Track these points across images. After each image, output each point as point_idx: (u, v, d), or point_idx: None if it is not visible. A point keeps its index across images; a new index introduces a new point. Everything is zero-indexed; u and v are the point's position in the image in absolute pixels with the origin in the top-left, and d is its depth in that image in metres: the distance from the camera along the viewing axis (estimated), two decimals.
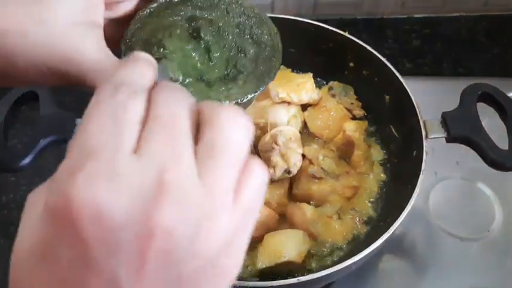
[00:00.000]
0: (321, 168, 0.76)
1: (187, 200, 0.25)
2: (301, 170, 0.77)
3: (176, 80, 0.45)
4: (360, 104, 0.87)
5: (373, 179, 0.78)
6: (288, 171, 0.75)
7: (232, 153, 0.27)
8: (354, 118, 0.85)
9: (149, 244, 0.24)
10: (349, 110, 0.85)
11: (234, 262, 0.28)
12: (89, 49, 0.41)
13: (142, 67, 0.30)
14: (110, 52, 0.42)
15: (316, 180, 0.76)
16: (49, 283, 0.25)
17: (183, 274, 0.26)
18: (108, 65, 0.41)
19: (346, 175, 0.77)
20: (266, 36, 0.50)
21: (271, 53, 0.49)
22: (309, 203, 0.75)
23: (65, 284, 0.25)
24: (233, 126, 0.28)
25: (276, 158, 0.75)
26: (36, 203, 0.27)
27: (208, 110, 0.29)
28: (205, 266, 0.26)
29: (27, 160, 0.64)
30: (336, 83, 0.89)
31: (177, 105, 0.28)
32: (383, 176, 0.79)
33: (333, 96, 0.86)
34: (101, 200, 0.24)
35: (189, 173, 0.26)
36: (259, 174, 0.29)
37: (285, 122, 0.81)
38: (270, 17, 0.52)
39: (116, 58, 0.42)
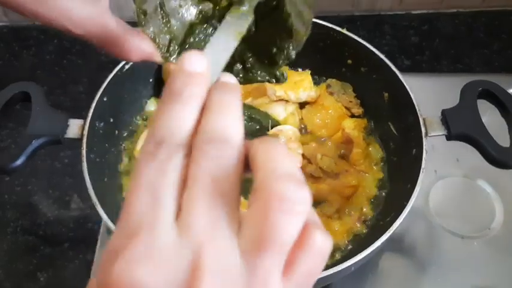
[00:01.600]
0: (320, 167, 0.75)
1: (223, 284, 0.24)
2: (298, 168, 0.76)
3: None
4: (359, 101, 0.86)
5: (372, 177, 0.77)
6: None
7: (283, 242, 0.25)
8: (352, 116, 0.84)
9: None
10: (347, 108, 0.84)
11: None
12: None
13: (183, 105, 0.27)
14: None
15: (316, 180, 0.75)
16: None
17: None
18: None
19: (345, 174, 0.76)
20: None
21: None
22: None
23: None
24: (287, 211, 0.24)
25: None
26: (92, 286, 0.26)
27: (261, 172, 0.25)
28: None
29: (19, 161, 0.63)
30: (334, 80, 0.88)
31: (220, 164, 0.26)
32: (382, 174, 0.78)
33: (331, 94, 0.85)
34: (138, 285, 0.23)
35: (228, 252, 0.24)
36: (318, 247, 0.26)
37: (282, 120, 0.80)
38: None
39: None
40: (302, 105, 0.85)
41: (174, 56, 0.44)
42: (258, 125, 0.80)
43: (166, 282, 0.23)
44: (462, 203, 0.86)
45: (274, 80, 0.49)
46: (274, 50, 0.47)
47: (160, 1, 0.44)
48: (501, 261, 0.80)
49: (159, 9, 0.43)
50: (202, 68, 0.29)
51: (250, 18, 0.41)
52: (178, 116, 0.27)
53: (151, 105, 0.88)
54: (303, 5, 0.46)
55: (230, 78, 0.30)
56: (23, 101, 0.68)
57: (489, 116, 0.73)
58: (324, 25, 0.85)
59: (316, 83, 0.89)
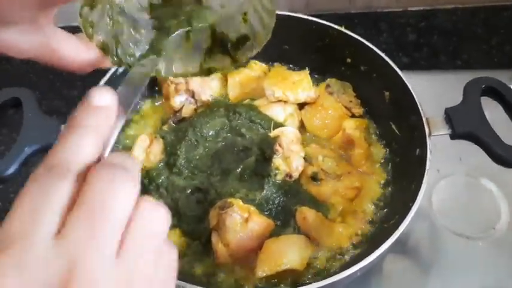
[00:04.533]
0: (321, 169, 0.74)
1: None
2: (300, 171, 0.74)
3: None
4: (359, 101, 0.84)
5: (376, 179, 0.76)
6: (289, 176, 0.72)
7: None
8: (352, 116, 0.83)
9: None
10: (347, 108, 0.83)
11: None
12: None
13: (82, 135, 0.30)
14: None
15: (317, 182, 0.73)
16: None
17: None
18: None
19: (347, 175, 0.74)
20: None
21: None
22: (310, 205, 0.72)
23: None
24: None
25: (278, 162, 0.72)
26: None
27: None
28: None
29: (12, 169, 0.61)
30: (333, 80, 0.86)
31: (109, 191, 0.29)
32: (386, 175, 0.77)
33: (331, 93, 0.83)
34: None
35: (101, 262, 0.27)
36: (146, 215, 0.30)
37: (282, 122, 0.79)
38: None
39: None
40: (301, 105, 0.83)
41: (133, 59, 0.47)
42: (259, 126, 0.79)
43: None
44: (466, 203, 0.84)
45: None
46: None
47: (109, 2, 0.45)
48: (507, 262, 0.78)
49: (106, 12, 0.45)
50: (108, 102, 0.32)
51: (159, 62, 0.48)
52: (75, 144, 0.30)
53: (147, 105, 0.88)
54: (262, 10, 0.49)
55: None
56: (15, 106, 0.66)
57: (491, 113, 0.72)
58: (321, 23, 0.83)
59: (316, 82, 0.87)
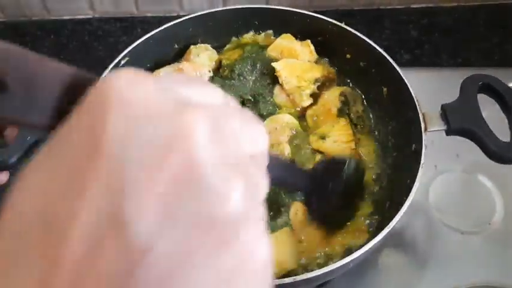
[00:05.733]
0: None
1: None
2: None
3: None
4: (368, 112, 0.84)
5: (371, 173, 0.76)
6: None
7: None
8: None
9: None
10: (355, 125, 0.81)
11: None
12: None
13: None
14: None
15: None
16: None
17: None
18: None
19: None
20: None
21: None
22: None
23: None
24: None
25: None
26: None
27: None
28: None
29: (14, 158, 0.62)
30: (349, 89, 0.84)
31: None
32: (381, 170, 0.77)
33: (343, 104, 0.81)
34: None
35: None
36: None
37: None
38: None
39: None
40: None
41: None
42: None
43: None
44: (462, 198, 0.85)
45: None
46: None
47: None
48: (502, 257, 0.79)
49: None
50: None
51: None
52: None
53: None
54: None
55: None
56: None
57: (489, 110, 0.72)
58: (322, 19, 0.84)
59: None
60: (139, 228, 0.21)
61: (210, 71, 0.85)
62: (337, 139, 0.76)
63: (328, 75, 0.84)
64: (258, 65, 0.85)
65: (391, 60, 0.77)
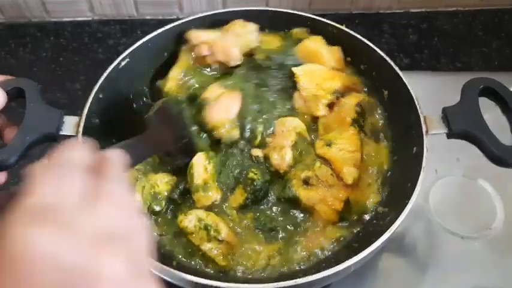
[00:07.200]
0: (315, 175, 0.73)
1: None
2: (295, 172, 0.74)
3: None
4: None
5: (372, 177, 0.76)
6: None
7: None
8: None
9: None
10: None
11: None
12: None
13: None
14: None
15: (307, 186, 0.73)
16: None
17: None
18: None
19: (340, 186, 0.73)
20: None
21: None
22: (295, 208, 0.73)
23: None
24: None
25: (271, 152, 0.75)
26: None
27: None
28: None
29: (13, 158, 0.62)
30: (366, 98, 0.81)
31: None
32: (382, 173, 0.77)
33: (359, 115, 0.79)
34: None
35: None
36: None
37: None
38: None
39: None
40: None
41: None
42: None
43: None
44: (463, 203, 0.85)
45: None
46: None
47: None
48: (502, 262, 0.79)
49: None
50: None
51: None
52: None
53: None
54: None
55: None
56: (18, 97, 0.67)
57: (490, 113, 0.72)
58: (321, 21, 0.84)
59: None
60: None
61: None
62: (343, 147, 0.75)
63: (351, 85, 0.81)
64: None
65: (392, 63, 0.77)
